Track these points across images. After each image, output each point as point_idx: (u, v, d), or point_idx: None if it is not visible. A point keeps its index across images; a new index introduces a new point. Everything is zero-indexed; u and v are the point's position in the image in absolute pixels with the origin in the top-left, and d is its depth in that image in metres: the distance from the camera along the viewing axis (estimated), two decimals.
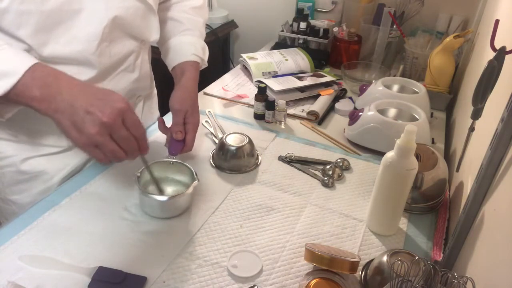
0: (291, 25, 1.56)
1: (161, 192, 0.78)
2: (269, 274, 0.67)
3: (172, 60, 0.92)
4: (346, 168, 0.93)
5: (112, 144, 0.60)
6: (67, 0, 0.68)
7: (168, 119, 0.86)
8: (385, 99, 1.07)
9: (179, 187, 0.81)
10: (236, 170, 0.90)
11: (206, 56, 0.97)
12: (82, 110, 0.58)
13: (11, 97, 0.59)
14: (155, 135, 0.99)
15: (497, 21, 0.70)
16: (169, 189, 0.82)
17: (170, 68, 0.93)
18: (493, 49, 0.64)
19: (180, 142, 0.85)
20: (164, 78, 1.01)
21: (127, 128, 0.61)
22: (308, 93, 1.24)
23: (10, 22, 0.65)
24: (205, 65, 0.98)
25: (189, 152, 0.88)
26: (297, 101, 1.22)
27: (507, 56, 0.62)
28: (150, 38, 0.87)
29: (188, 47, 0.92)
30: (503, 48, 0.62)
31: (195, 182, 0.76)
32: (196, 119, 0.86)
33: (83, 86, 0.62)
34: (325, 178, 0.89)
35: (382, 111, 1.00)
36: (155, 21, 0.86)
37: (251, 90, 1.29)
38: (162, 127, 0.88)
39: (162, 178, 0.82)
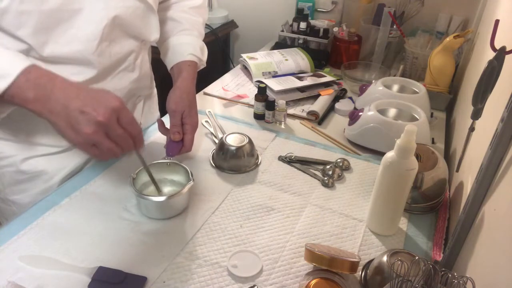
0: (291, 25, 1.56)
1: (160, 192, 0.78)
2: (269, 274, 0.67)
3: (170, 60, 0.92)
4: (346, 168, 0.93)
5: (109, 142, 0.61)
6: (67, 0, 0.68)
7: (168, 120, 0.86)
8: (385, 99, 1.06)
9: (176, 188, 0.81)
10: (236, 170, 0.90)
11: (204, 56, 0.97)
12: (76, 110, 0.59)
13: (6, 99, 0.59)
14: (155, 136, 0.99)
15: (497, 21, 0.70)
16: (166, 190, 0.81)
17: (168, 68, 0.93)
18: (493, 49, 0.64)
19: (178, 143, 0.84)
20: (164, 78, 1.01)
21: (122, 127, 0.62)
22: (308, 93, 1.24)
23: (10, 22, 0.65)
24: (203, 65, 0.97)
25: (189, 152, 0.88)
26: (297, 101, 1.22)
27: (507, 56, 0.62)
28: (150, 38, 0.87)
29: (186, 47, 0.92)
30: (503, 48, 0.62)
31: (190, 183, 0.76)
32: (194, 119, 0.86)
33: (77, 87, 0.62)
34: (325, 178, 0.89)
35: (382, 111, 1.00)
36: (155, 20, 0.85)
37: (251, 90, 1.29)
38: (162, 128, 0.87)
39: (159, 179, 0.82)
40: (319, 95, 1.23)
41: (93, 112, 0.59)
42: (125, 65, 0.85)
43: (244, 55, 1.41)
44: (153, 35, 0.87)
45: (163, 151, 0.86)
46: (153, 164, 0.81)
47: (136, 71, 0.88)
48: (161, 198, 0.73)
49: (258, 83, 1.23)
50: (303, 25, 1.51)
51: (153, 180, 0.78)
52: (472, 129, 0.74)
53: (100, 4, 0.72)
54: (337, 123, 1.14)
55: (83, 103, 0.59)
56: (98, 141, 0.60)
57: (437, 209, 0.83)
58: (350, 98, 1.25)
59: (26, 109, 0.61)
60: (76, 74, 0.74)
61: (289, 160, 0.95)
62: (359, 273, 0.67)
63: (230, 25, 1.90)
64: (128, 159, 0.91)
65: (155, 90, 1.10)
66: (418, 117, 0.99)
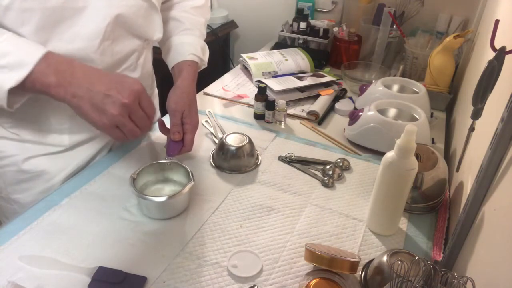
0: (291, 25, 1.56)
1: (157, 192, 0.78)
2: (269, 274, 0.67)
3: (171, 60, 0.92)
4: (346, 168, 0.93)
5: (131, 124, 0.66)
6: None
7: (168, 120, 0.86)
8: (385, 99, 1.07)
9: (176, 188, 0.81)
10: (236, 170, 0.90)
11: (206, 56, 0.97)
12: (101, 93, 0.63)
13: (27, 85, 0.62)
14: (155, 136, 0.99)
15: (497, 21, 0.70)
16: (167, 190, 0.81)
17: (170, 68, 0.93)
18: (493, 49, 0.64)
19: (179, 143, 0.84)
20: (164, 78, 1.01)
21: (142, 108, 0.67)
22: (308, 93, 1.24)
23: (12, 20, 0.65)
24: (204, 65, 0.97)
25: (189, 152, 0.88)
26: (297, 101, 1.22)
27: (507, 56, 0.62)
28: (153, 37, 0.87)
29: (187, 47, 0.92)
30: (503, 48, 0.62)
31: (191, 183, 0.76)
32: (194, 119, 0.86)
33: (98, 71, 0.67)
34: (325, 178, 0.89)
35: (382, 111, 1.00)
36: (158, 19, 0.85)
37: (251, 90, 1.29)
38: (162, 128, 0.87)
39: (159, 179, 0.82)
40: (319, 95, 1.23)
41: (118, 95, 0.63)
42: (127, 65, 0.85)
43: (244, 55, 1.41)
44: (156, 34, 0.87)
45: (164, 151, 0.86)
46: (154, 164, 0.81)
47: (138, 71, 0.88)
48: (161, 198, 0.73)
49: (258, 83, 1.23)
50: (303, 25, 1.51)
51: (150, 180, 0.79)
52: (472, 129, 0.74)
53: (103, 2, 0.72)
54: (337, 123, 1.14)
55: (107, 86, 0.63)
56: (122, 122, 0.64)
57: (437, 209, 0.83)
58: (350, 98, 1.25)
59: (47, 94, 0.63)
60: None
61: (289, 160, 0.95)
62: (359, 273, 0.67)
63: (230, 25, 1.90)
64: (128, 159, 0.91)
65: (156, 90, 1.10)
66: (418, 117, 0.99)
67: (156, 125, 0.92)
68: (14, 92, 0.63)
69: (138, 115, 0.66)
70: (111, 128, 0.65)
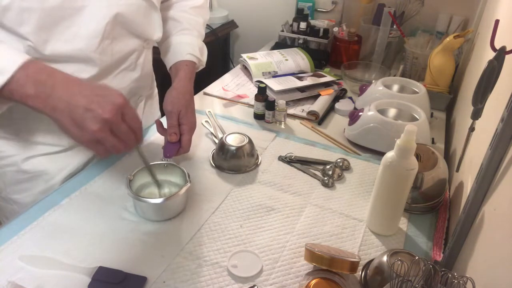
0: (291, 25, 1.57)
1: (160, 190, 0.78)
2: (269, 274, 0.67)
3: (169, 60, 0.92)
4: (346, 168, 0.93)
5: (113, 139, 0.61)
6: None
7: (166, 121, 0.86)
8: (385, 99, 1.07)
9: (173, 190, 0.81)
10: (236, 170, 0.90)
11: (204, 57, 0.96)
12: (81, 107, 0.59)
13: (5, 94, 0.59)
14: (155, 136, 0.99)
15: (497, 21, 0.70)
16: (163, 192, 0.81)
17: (168, 68, 0.93)
18: (493, 49, 0.64)
19: (176, 144, 0.83)
20: (164, 78, 1.01)
21: (126, 122, 0.62)
22: (308, 93, 1.24)
23: (12, 19, 0.65)
24: (202, 65, 0.97)
25: (189, 152, 0.88)
26: (297, 101, 1.22)
27: (507, 56, 0.62)
28: (153, 37, 0.87)
29: (185, 47, 0.92)
30: (503, 48, 0.62)
31: (188, 184, 0.76)
32: (190, 120, 0.85)
33: (79, 82, 0.62)
34: (325, 178, 0.89)
35: (382, 111, 1.00)
36: (158, 18, 0.85)
37: (251, 90, 1.29)
38: (160, 129, 0.87)
39: (156, 180, 0.82)
40: (319, 95, 1.23)
41: (98, 109, 0.59)
42: (126, 64, 0.84)
43: (244, 55, 1.41)
44: (156, 34, 0.87)
45: (162, 152, 0.85)
46: (151, 166, 0.80)
47: (137, 71, 0.88)
48: (157, 200, 0.73)
49: (258, 83, 1.23)
50: (303, 25, 1.51)
51: (155, 179, 0.77)
52: (472, 129, 0.74)
53: (102, 2, 0.72)
54: (337, 123, 1.14)
55: (88, 100, 0.59)
56: (103, 138, 0.60)
57: (437, 209, 0.83)
58: (350, 98, 1.25)
59: (26, 105, 0.60)
60: (77, 72, 0.74)
61: (289, 160, 0.95)
62: (359, 273, 0.67)
63: (230, 25, 1.90)
64: (128, 159, 0.91)
65: (156, 90, 1.10)
66: (418, 117, 0.99)
67: (153, 129, 0.91)
68: None
69: (121, 130, 0.62)
70: (92, 143, 0.61)
